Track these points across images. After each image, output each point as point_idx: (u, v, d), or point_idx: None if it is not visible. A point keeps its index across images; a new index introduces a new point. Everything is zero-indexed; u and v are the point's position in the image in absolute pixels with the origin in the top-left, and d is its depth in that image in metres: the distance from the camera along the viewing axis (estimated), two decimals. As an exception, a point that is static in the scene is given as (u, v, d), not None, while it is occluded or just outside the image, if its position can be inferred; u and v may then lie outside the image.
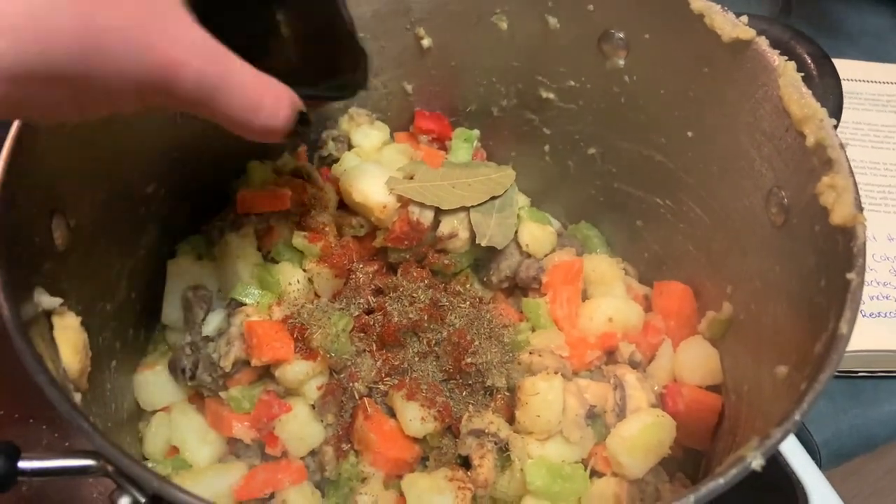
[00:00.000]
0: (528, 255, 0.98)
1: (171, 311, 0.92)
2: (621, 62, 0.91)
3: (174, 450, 0.87)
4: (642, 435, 0.82)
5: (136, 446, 0.88)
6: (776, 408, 0.67)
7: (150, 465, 0.86)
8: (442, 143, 1.06)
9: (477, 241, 0.92)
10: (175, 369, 0.88)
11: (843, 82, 1.04)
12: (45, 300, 0.64)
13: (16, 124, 0.66)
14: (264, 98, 0.54)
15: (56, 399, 0.52)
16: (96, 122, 0.76)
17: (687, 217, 0.94)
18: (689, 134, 0.89)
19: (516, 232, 0.97)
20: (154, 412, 0.89)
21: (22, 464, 0.56)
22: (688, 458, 0.87)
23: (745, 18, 0.79)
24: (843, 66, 1.31)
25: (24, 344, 0.54)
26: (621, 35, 0.89)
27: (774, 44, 0.78)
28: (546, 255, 0.98)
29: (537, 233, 0.98)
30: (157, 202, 0.91)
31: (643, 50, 0.88)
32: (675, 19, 0.82)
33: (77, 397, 0.62)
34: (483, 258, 0.98)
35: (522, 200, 1.04)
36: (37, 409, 0.95)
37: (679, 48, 0.84)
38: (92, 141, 0.76)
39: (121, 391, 0.87)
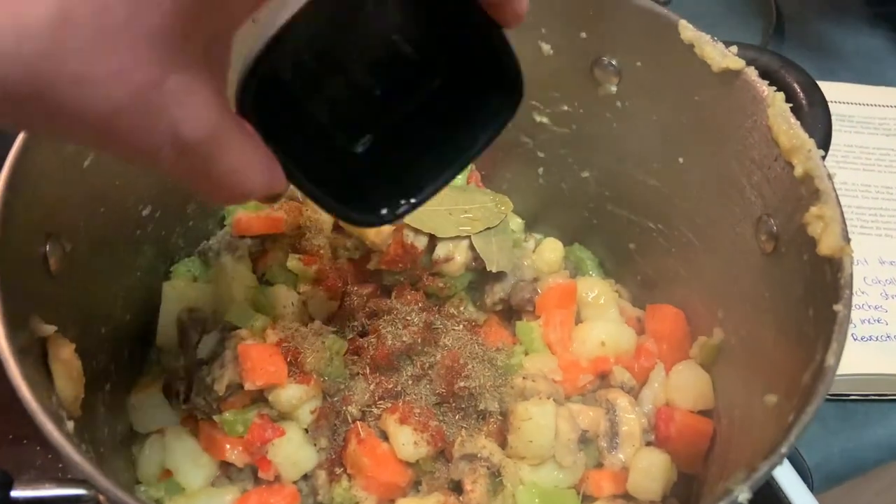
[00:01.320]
0: (523, 279, 0.99)
1: (166, 334, 0.92)
2: (613, 88, 0.92)
3: (167, 473, 0.87)
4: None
5: (130, 469, 0.88)
6: (766, 435, 0.67)
7: (143, 488, 0.86)
8: (437, 165, 1.07)
9: (487, 269, 0.92)
10: (169, 392, 0.89)
11: (834, 105, 1.05)
12: (40, 328, 0.64)
13: (14, 148, 0.67)
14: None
15: (48, 430, 0.52)
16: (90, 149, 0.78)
17: (679, 241, 0.95)
18: (681, 160, 0.90)
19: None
20: (148, 435, 0.89)
21: (15, 493, 0.57)
22: (679, 483, 0.87)
23: (734, 49, 0.80)
24: (835, 89, 1.33)
25: (19, 373, 0.55)
26: (613, 62, 0.90)
27: (764, 73, 0.79)
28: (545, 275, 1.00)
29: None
30: (153, 224, 0.92)
31: (635, 77, 0.89)
32: (666, 48, 0.83)
33: (70, 425, 0.62)
34: (477, 281, 0.99)
35: (516, 224, 1.04)
36: (30, 431, 0.95)
37: (670, 76, 0.85)
38: (88, 165, 0.77)
39: (114, 414, 0.87)
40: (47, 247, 0.71)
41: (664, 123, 0.89)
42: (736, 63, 0.78)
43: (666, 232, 0.97)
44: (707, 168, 0.86)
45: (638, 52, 0.87)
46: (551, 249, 1.03)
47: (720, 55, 0.79)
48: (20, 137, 0.68)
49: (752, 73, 0.78)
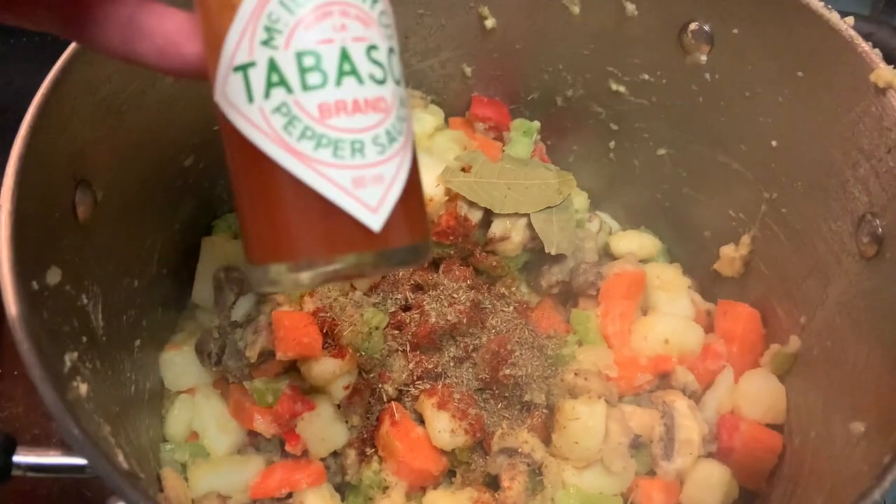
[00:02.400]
0: (585, 261, 0.91)
1: (202, 291, 0.88)
2: (703, 58, 0.82)
3: (195, 434, 0.84)
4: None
5: (157, 427, 0.85)
6: (850, 468, 0.59)
7: (168, 447, 0.83)
8: (499, 132, 0.99)
9: (546, 251, 0.85)
10: (201, 352, 0.85)
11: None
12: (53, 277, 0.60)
13: (44, 84, 0.62)
14: None
15: (50, 399, 0.48)
16: (133, 91, 0.73)
17: (762, 234, 0.86)
18: (774, 143, 0.80)
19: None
20: (178, 393, 0.86)
21: (17, 458, 0.53)
22: (739, 500, 0.80)
23: (850, 20, 0.69)
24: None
25: (23, 332, 0.50)
26: (706, 28, 0.80)
27: (881, 48, 0.69)
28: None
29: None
30: (195, 176, 0.87)
31: (730, 46, 0.79)
32: (769, 15, 0.73)
33: (83, 389, 0.58)
34: (534, 260, 0.91)
35: (580, 201, 0.96)
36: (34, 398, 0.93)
37: (771, 47, 0.75)
38: (127, 108, 0.72)
39: (144, 370, 0.83)
40: (76, 194, 0.66)
41: (759, 101, 0.79)
42: (852, 36, 0.68)
43: (748, 222, 0.88)
44: (805, 155, 0.76)
45: (735, 17, 0.77)
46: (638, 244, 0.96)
47: (835, 26, 0.69)
48: (52, 71, 0.63)
49: (867, 48, 0.68)
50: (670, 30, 0.83)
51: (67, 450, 0.54)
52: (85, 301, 0.66)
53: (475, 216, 0.85)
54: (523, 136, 0.96)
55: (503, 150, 0.96)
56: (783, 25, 0.72)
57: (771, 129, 0.79)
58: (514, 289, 0.89)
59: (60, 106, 0.63)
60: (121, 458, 0.64)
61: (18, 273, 0.53)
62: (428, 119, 0.98)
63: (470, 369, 0.83)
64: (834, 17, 0.69)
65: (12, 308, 0.51)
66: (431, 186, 0.84)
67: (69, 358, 0.59)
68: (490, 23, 0.92)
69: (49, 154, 0.62)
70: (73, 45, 0.64)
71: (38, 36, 1.28)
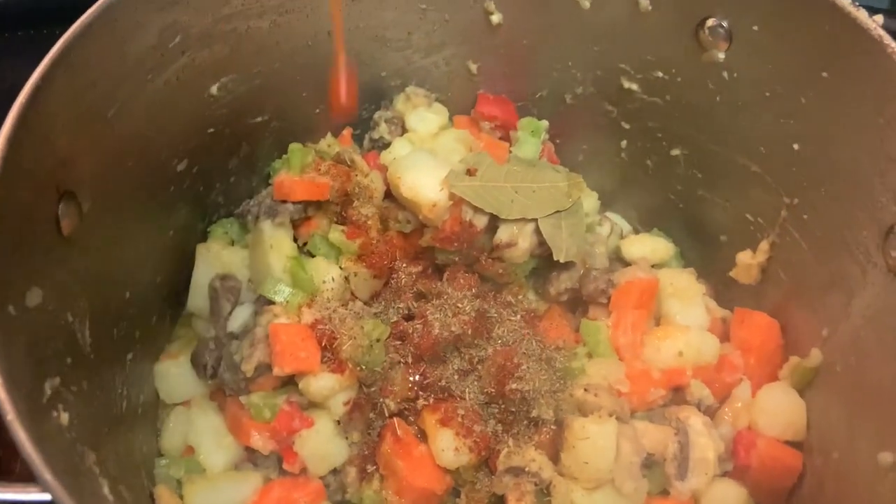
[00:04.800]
0: (595, 267, 0.87)
1: (198, 300, 0.85)
2: (721, 55, 0.78)
3: (190, 449, 0.81)
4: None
5: (152, 442, 0.82)
6: (876, 501, 0.56)
7: (163, 462, 0.80)
8: (505, 131, 0.95)
9: (555, 258, 0.81)
10: (197, 364, 0.82)
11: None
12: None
13: (22, 94, 0.59)
14: None
15: (23, 442, 0.45)
16: (121, 96, 0.69)
17: (782, 240, 0.82)
18: (796, 146, 0.76)
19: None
20: (174, 406, 0.83)
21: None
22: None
23: (879, 18, 0.65)
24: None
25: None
26: (724, 24, 0.76)
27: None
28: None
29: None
30: (189, 180, 0.84)
31: (749, 43, 0.75)
32: (792, 11, 0.69)
33: (65, 417, 0.55)
34: (542, 266, 0.87)
35: (590, 203, 0.92)
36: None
37: (794, 46, 0.71)
38: (114, 114, 0.69)
39: (138, 383, 0.81)
40: (59, 207, 0.63)
41: (780, 102, 0.75)
42: (881, 36, 0.64)
43: (766, 228, 0.84)
44: (829, 160, 0.72)
45: (756, 13, 0.73)
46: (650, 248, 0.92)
47: (863, 25, 0.64)
48: (30, 81, 0.59)
49: (900, 47, 0.63)
50: (686, 25, 0.79)
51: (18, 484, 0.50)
52: (70, 319, 0.63)
53: (481, 221, 0.81)
54: (531, 136, 0.92)
55: (510, 151, 0.92)
56: (807, 23, 0.68)
57: (793, 131, 0.75)
58: (521, 296, 0.86)
59: (41, 115, 0.60)
60: (106, 489, 0.61)
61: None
62: (432, 118, 0.94)
63: (475, 383, 0.79)
64: (861, 14, 0.65)
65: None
66: (435, 190, 0.80)
67: (50, 385, 0.56)
68: (496, 18, 0.88)
69: (30, 167, 0.58)
70: (55, 48, 0.61)
71: (32, 30, 1.25)
